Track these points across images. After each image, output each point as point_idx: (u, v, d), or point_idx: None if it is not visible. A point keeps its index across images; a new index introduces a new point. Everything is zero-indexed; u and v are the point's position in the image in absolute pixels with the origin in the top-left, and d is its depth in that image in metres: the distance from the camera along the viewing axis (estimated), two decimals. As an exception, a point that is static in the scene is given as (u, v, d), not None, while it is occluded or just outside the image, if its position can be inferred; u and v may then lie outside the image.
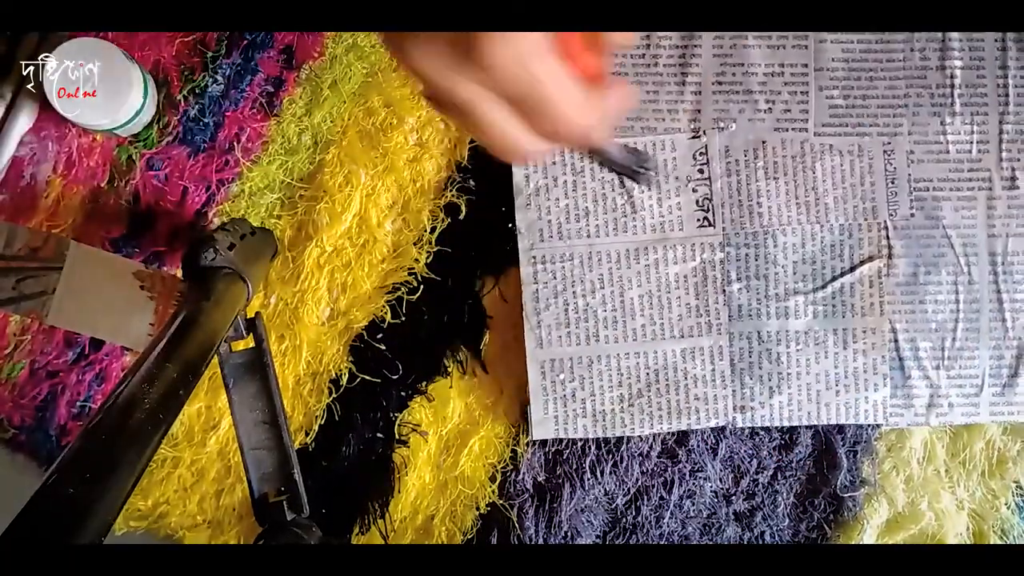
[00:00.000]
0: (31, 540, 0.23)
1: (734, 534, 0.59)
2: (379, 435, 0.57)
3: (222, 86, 0.56)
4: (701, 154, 0.56)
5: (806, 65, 0.57)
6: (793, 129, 0.57)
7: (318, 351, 0.57)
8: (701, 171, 0.56)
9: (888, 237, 0.57)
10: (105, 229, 0.55)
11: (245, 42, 0.56)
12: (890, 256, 0.57)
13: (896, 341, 0.57)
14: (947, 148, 0.57)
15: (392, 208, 0.58)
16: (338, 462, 0.57)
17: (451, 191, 0.58)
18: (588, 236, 0.56)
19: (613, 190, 0.56)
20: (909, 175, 0.57)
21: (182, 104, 0.56)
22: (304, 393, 0.57)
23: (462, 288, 0.58)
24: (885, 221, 0.57)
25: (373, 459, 0.57)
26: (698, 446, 0.58)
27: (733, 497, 0.59)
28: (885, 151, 0.57)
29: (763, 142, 0.57)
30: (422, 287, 0.57)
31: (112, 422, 0.28)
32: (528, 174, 0.56)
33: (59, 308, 0.51)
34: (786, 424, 0.57)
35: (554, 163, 0.56)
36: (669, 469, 0.58)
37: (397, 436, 0.58)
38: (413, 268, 0.57)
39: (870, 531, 0.58)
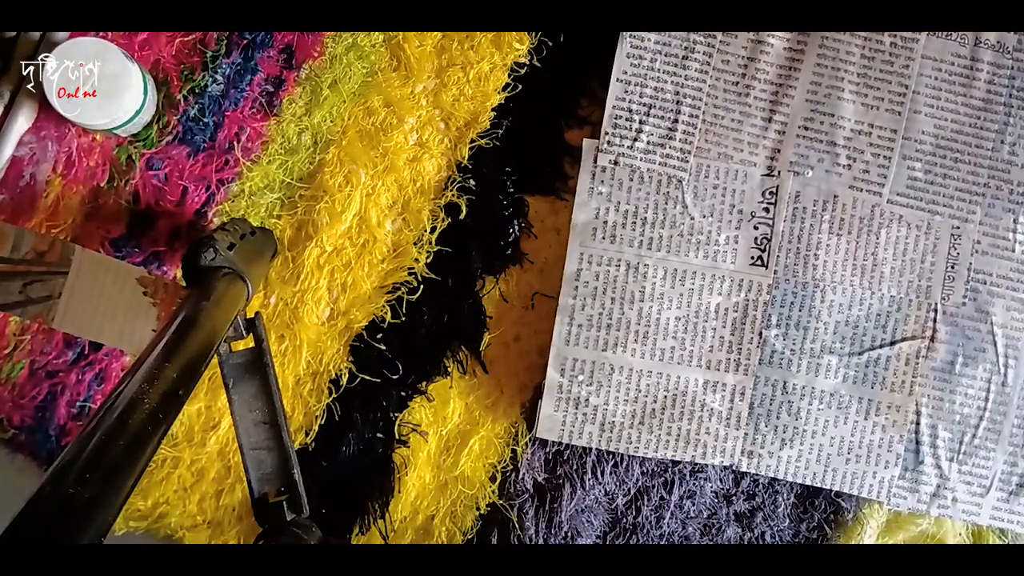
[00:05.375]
0: (31, 540, 0.23)
1: (734, 534, 0.59)
2: (379, 435, 0.57)
3: (222, 86, 0.56)
4: (771, 193, 0.56)
5: (895, 131, 0.56)
6: (868, 191, 0.56)
7: (318, 351, 0.57)
8: (767, 210, 0.56)
9: (935, 320, 0.56)
10: (105, 229, 0.55)
11: (245, 42, 0.56)
12: (932, 339, 0.56)
13: (918, 424, 0.56)
14: (1014, 247, 0.57)
15: (392, 208, 0.58)
16: (338, 462, 0.57)
17: (451, 191, 0.58)
18: (639, 246, 0.56)
19: (675, 207, 0.56)
20: (970, 264, 0.56)
21: (182, 104, 0.56)
22: (304, 393, 0.57)
23: (462, 288, 0.58)
24: (936, 304, 0.56)
25: (373, 459, 0.57)
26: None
27: (733, 497, 0.59)
28: (952, 235, 0.56)
29: (835, 196, 0.56)
30: (422, 287, 0.57)
31: (112, 422, 0.28)
32: (595, 171, 0.56)
33: (64, 313, 0.51)
34: (789, 480, 0.57)
35: (625, 166, 0.56)
36: (669, 469, 0.58)
37: (397, 436, 0.58)
38: (413, 268, 0.57)
39: (870, 531, 0.58)
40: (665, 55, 0.56)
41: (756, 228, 0.56)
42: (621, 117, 0.56)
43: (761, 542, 0.59)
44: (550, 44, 0.58)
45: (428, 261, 0.57)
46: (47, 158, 0.55)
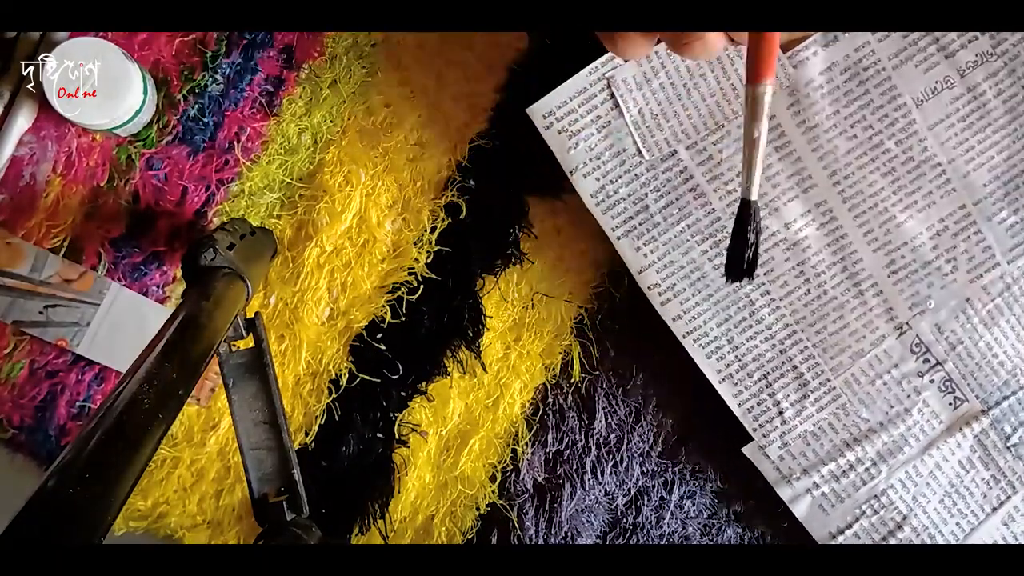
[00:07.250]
0: (31, 540, 0.23)
1: (734, 534, 0.59)
2: (379, 435, 0.57)
3: (222, 86, 0.56)
4: (917, 345, 0.55)
5: (963, 206, 0.54)
6: (986, 272, 0.55)
7: (318, 351, 0.57)
8: (927, 360, 0.55)
9: None
10: (105, 229, 0.55)
11: (245, 41, 0.56)
12: None
13: None
14: None
15: (392, 208, 0.58)
16: (338, 462, 0.57)
17: (451, 191, 0.57)
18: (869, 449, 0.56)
19: (859, 429, 0.56)
20: None
21: (182, 104, 0.56)
22: (304, 393, 0.57)
23: (462, 288, 0.58)
24: None
25: (373, 459, 0.57)
26: (699, 446, 0.58)
27: (733, 497, 0.59)
28: None
29: (967, 299, 0.55)
30: (422, 287, 0.57)
31: (112, 422, 0.28)
32: None
33: (92, 341, 0.53)
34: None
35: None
36: (669, 469, 0.58)
37: (397, 436, 0.57)
38: (413, 268, 0.57)
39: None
40: (737, 326, 0.55)
41: (932, 381, 0.56)
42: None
43: (761, 542, 0.59)
44: (550, 44, 0.58)
45: (428, 261, 0.57)
46: (47, 158, 0.55)
